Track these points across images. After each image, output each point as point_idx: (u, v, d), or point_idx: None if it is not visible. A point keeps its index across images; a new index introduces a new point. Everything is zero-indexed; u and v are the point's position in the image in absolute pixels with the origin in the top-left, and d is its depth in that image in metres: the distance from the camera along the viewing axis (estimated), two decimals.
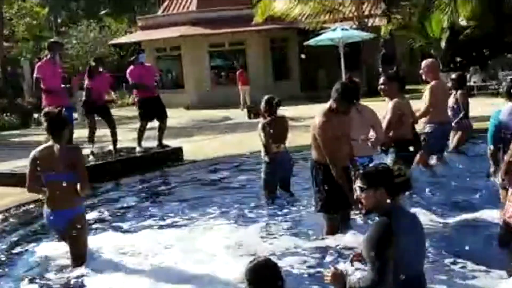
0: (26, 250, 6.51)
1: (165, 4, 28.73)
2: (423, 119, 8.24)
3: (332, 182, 5.63)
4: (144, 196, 8.99)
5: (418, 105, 8.36)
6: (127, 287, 5.12)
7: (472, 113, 9.60)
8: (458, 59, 20.76)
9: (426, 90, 8.34)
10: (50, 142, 5.41)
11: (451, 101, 9.18)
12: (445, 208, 6.71)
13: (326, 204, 5.77)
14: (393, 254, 3.47)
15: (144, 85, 11.21)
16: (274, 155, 7.42)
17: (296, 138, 9.21)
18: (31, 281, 5.54)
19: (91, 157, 10.56)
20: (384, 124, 7.02)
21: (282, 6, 22.86)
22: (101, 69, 11.10)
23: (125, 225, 7.15)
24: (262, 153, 7.55)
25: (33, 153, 5.44)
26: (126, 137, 12.85)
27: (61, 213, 5.34)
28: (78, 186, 5.25)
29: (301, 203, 7.29)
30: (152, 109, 11.25)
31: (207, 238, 6.16)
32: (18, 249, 6.63)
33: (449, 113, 9.20)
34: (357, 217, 6.06)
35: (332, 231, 5.79)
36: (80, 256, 5.50)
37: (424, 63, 8.74)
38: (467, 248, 5.36)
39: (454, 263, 5.05)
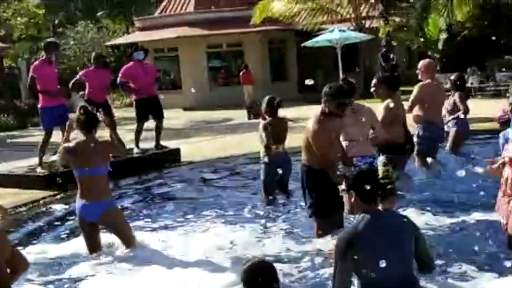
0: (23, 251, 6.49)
1: (163, 5, 28.74)
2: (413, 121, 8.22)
3: (323, 186, 5.58)
4: (141, 197, 8.97)
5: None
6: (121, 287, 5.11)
7: (469, 114, 9.60)
8: (455, 60, 20.81)
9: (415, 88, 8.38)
10: (82, 138, 5.71)
11: (448, 102, 9.18)
12: (438, 209, 6.70)
13: (318, 209, 5.73)
14: (358, 259, 3.53)
15: (130, 86, 11.15)
16: (274, 156, 7.42)
17: (294, 139, 9.20)
18: (28, 281, 5.53)
19: None
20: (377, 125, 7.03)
21: (280, 6, 22.87)
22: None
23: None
24: (262, 154, 7.55)
25: (67, 146, 5.70)
26: (124, 138, 12.80)
27: (100, 204, 5.65)
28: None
29: (299, 204, 7.27)
30: (148, 109, 11.21)
31: (203, 240, 6.13)
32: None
33: (446, 114, 9.19)
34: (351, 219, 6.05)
35: (324, 235, 5.74)
36: (131, 237, 5.92)
37: (421, 63, 8.75)
38: (458, 248, 5.38)
39: (446, 263, 5.05)
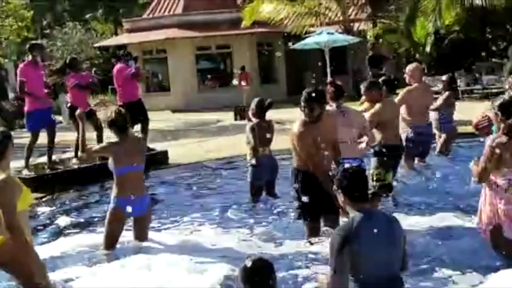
0: None
1: (151, 6, 28.66)
2: (402, 124, 8.26)
3: (310, 189, 5.60)
4: None
5: None
6: None
7: (457, 117, 9.65)
8: (443, 63, 20.93)
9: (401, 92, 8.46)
10: (118, 139, 5.81)
11: (437, 104, 9.22)
12: (425, 211, 6.74)
13: (303, 212, 5.75)
14: (350, 258, 3.56)
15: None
16: (261, 158, 7.42)
17: (282, 142, 9.21)
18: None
19: (74, 160, 10.48)
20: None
21: (270, 9, 22.90)
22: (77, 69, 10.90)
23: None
24: (248, 156, 7.55)
25: (115, 144, 5.79)
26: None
27: (144, 199, 5.92)
28: None
29: (286, 206, 7.28)
30: (134, 113, 11.13)
31: (187, 242, 6.13)
32: None
33: (436, 115, 9.24)
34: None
35: (312, 236, 5.75)
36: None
37: (408, 67, 8.83)
38: (443, 251, 5.42)
39: (431, 266, 5.07)
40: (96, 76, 11.78)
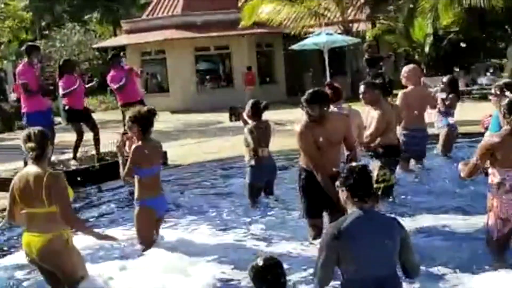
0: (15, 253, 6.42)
1: (150, 7, 28.67)
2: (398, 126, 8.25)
3: (312, 188, 5.64)
4: (124, 200, 8.89)
5: None
6: None
7: (457, 117, 9.64)
8: (441, 63, 20.93)
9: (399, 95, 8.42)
10: (140, 142, 5.78)
11: (438, 104, 9.18)
12: (422, 212, 6.73)
13: (306, 210, 5.82)
14: (343, 253, 3.60)
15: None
16: (260, 159, 7.42)
17: (280, 142, 9.20)
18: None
19: (73, 162, 10.47)
20: (370, 131, 7.05)
21: (269, 10, 22.90)
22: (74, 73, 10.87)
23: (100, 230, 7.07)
24: (247, 157, 7.54)
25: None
26: (111, 140, 12.74)
27: (165, 198, 6.12)
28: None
29: (285, 207, 7.28)
30: None
31: (185, 243, 6.11)
32: (6, 253, 6.58)
33: (436, 116, 9.22)
34: None
35: (314, 236, 5.78)
36: None
37: (405, 68, 8.78)
38: (445, 251, 5.44)
39: (433, 267, 5.07)
40: (91, 78, 11.78)
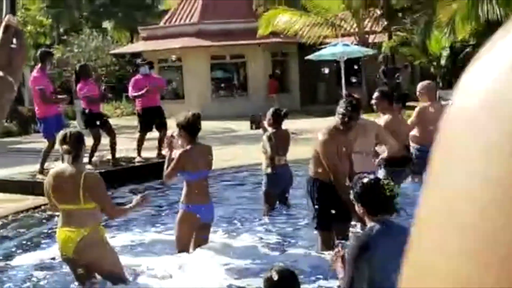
0: (25, 257, 6.50)
1: (168, 15, 28.88)
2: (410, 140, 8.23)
3: (326, 199, 5.63)
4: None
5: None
6: None
7: None
8: (457, 76, 20.83)
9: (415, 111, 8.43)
10: (188, 146, 5.73)
11: None
12: None
13: (319, 221, 5.79)
14: (368, 269, 3.54)
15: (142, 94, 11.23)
16: (277, 167, 7.44)
17: (295, 152, 9.23)
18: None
19: (88, 166, 10.54)
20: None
21: (286, 19, 22.97)
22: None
23: (110, 234, 7.13)
24: (264, 165, 7.57)
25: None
26: (127, 147, 12.86)
27: (213, 206, 5.99)
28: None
29: (299, 216, 7.30)
30: (153, 119, 11.28)
31: (199, 250, 6.15)
32: (16, 256, 6.63)
33: None
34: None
35: (325, 247, 5.77)
36: None
37: (420, 85, 8.72)
38: None
39: None
40: (105, 84, 11.90)
